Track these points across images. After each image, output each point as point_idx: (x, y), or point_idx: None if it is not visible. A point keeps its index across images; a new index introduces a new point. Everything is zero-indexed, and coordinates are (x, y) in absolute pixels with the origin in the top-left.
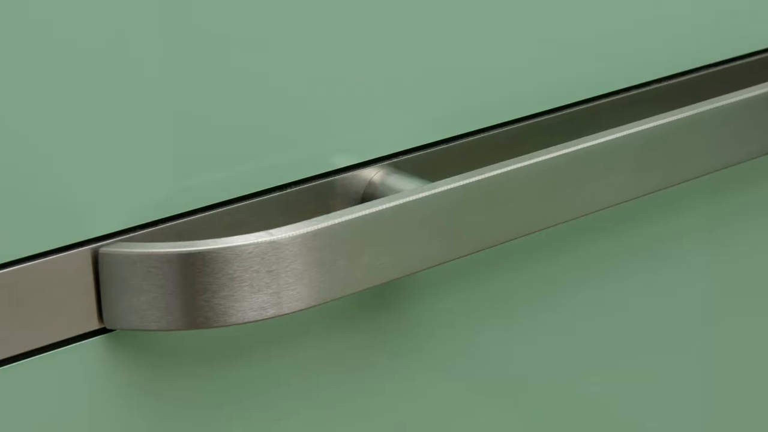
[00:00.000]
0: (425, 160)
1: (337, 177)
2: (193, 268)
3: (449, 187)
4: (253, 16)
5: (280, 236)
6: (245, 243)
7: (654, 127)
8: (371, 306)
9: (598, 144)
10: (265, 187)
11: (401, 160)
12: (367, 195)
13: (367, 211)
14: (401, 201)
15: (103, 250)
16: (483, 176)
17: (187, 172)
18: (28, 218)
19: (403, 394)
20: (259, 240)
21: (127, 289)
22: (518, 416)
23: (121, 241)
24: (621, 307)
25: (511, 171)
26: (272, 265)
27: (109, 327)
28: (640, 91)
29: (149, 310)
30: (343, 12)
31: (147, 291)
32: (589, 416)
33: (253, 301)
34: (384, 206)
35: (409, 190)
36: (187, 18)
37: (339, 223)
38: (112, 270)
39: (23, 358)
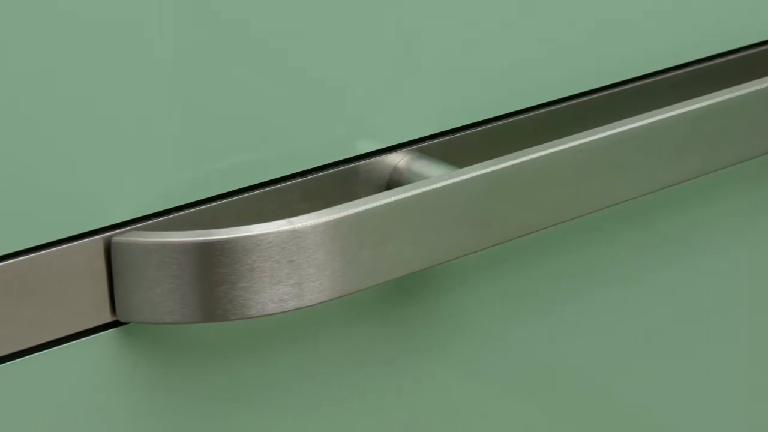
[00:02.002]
0: (453, 145)
1: (360, 163)
2: (210, 258)
3: (478, 173)
4: None
5: (301, 225)
6: (265, 232)
7: (693, 110)
8: (396, 298)
9: (633, 128)
10: (286, 174)
11: (428, 145)
12: (392, 182)
13: (392, 199)
14: (428, 188)
15: (116, 239)
16: (513, 162)
17: (205, 157)
18: (36, 206)
19: (428, 390)
20: (280, 229)
21: (141, 280)
22: (548, 413)
23: (134, 229)
24: (660, 300)
25: (542, 157)
26: (293, 255)
27: (122, 320)
28: (678, 73)
29: (164, 302)
30: None
31: (162, 282)
32: (623, 413)
33: (273, 293)
34: (410, 193)
35: (436, 177)
36: (204, 1)
37: (363, 212)
38: (126, 260)
39: (32, 353)
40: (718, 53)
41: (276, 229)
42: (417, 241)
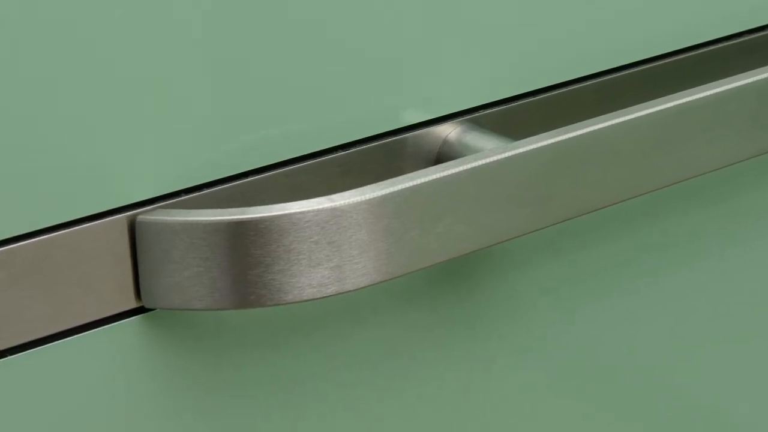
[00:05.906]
0: (508, 115)
1: (407, 135)
2: (243, 238)
3: (535, 146)
4: None
5: (342, 202)
6: (303, 210)
7: None
8: (445, 282)
9: (704, 98)
10: (326, 146)
11: (481, 115)
12: (442, 155)
13: (441, 174)
14: (481, 162)
15: (140, 218)
16: (573, 134)
17: (237, 129)
18: (53, 182)
19: (482, 381)
20: (319, 207)
21: (168, 263)
22: (611, 404)
23: (161, 207)
24: (738, 282)
25: (606, 128)
26: (334, 236)
27: (147, 306)
28: (751, 37)
29: (193, 286)
30: None
31: (191, 265)
32: (692, 406)
33: (312, 277)
34: (461, 168)
35: (489, 150)
36: None
37: (410, 188)
38: (151, 241)
39: (51, 341)
40: None
41: (315, 207)
42: (469, 220)
